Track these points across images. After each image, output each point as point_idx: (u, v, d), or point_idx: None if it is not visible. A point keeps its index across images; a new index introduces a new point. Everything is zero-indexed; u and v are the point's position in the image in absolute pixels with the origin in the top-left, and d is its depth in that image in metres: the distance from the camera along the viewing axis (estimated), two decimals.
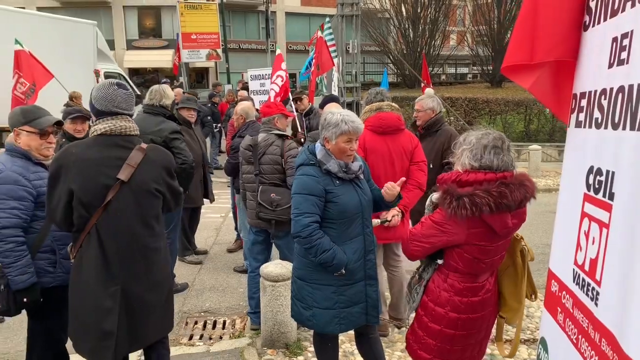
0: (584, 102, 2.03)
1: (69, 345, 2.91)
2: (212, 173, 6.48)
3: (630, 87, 1.63)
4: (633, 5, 1.67)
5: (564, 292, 2.12)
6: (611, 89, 1.77)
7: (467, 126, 13.50)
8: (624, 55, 1.70)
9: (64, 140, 4.53)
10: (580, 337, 1.90)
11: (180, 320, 4.75)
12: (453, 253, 2.59)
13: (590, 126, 1.95)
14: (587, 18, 2.02)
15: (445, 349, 2.67)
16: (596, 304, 1.77)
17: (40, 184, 2.86)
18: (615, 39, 1.77)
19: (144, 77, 30.46)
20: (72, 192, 2.50)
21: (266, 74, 11.50)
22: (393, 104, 4.22)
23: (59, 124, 3.01)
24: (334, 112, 3.07)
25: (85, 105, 10.39)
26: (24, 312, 2.98)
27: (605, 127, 1.81)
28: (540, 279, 5.44)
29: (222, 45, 20.58)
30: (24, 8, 18.99)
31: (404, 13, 26.36)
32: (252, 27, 34.33)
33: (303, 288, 3.05)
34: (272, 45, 25.35)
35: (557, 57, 2.09)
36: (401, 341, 4.22)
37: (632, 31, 1.65)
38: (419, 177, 4.10)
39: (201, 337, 4.49)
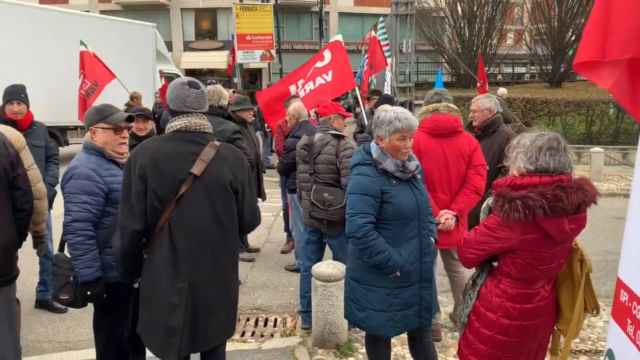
0: None
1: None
2: (265, 172, 6.55)
3: None
4: None
5: (634, 303, 2.00)
6: None
7: (525, 127, 13.09)
8: None
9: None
10: None
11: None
12: (507, 258, 2.51)
13: None
14: None
15: (496, 355, 2.58)
16: None
17: (111, 180, 2.96)
18: None
19: (200, 78, 31.23)
20: (147, 185, 2.55)
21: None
22: (451, 105, 4.12)
23: (130, 119, 3.11)
24: (387, 109, 3.03)
25: (145, 104, 10.79)
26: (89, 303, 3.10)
27: None
28: (602, 287, 5.23)
29: (276, 46, 20.81)
30: (88, 11, 19.86)
31: (460, 12, 25.85)
32: (305, 27, 34.57)
33: (357, 289, 3.02)
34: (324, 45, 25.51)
35: (634, 54, 1.96)
36: (454, 346, 4.12)
37: None
38: (477, 182, 3.99)
39: (253, 334, 4.54)
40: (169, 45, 21.35)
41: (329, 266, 4.02)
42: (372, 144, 3.05)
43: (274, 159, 12.47)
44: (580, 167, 12.30)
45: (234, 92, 9.35)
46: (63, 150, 13.40)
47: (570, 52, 23.49)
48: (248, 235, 6.70)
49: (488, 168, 4.33)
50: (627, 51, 1.97)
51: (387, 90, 11.11)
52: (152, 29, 14.76)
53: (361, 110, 7.61)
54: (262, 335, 4.51)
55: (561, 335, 2.72)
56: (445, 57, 26.50)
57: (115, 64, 11.67)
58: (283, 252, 6.72)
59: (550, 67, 25.00)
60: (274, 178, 10.30)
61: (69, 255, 2.94)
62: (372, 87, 11.57)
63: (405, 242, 2.94)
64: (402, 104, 13.84)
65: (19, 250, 3.08)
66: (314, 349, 4.06)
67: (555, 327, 2.70)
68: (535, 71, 31.07)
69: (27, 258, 3.72)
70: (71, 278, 2.89)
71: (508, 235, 2.43)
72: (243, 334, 4.54)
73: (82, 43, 11.08)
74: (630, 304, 2.04)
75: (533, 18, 26.72)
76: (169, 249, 2.57)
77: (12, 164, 2.90)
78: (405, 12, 14.23)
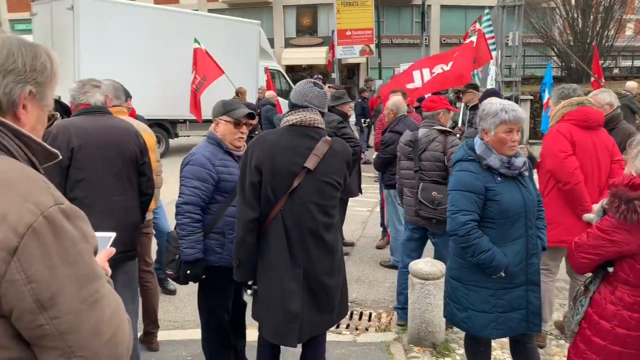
0: None
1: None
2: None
3: None
4: None
5: None
6: None
7: None
8: None
9: None
10: None
11: None
12: (623, 263, 2.34)
13: None
14: None
15: None
16: None
17: (223, 170, 3.13)
18: None
19: (299, 74, 31.92)
20: (262, 176, 2.66)
21: None
22: (589, 99, 3.98)
23: (251, 116, 3.25)
24: (493, 102, 2.93)
25: (249, 100, 11.19)
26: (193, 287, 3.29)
27: None
28: None
29: (375, 40, 20.73)
30: (197, 10, 20.94)
31: (573, 2, 24.21)
32: (405, 21, 34.05)
33: (458, 289, 2.95)
34: (427, 39, 24.92)
35: None
36: (559, 355, 3.90)
37: None
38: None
39: (347, 326, 4.58)
40: (271, 42, 21.93)
41: (427, 264, 3.96)
42: (476, 139, 2.95)
43: (370, 154, 12.46)
44: None
45: (329, 87, 9.45)
46: (173, 142, 14.30)
47: None
48: (342, 229, 6.74)
49: None
50: None
51: (490, 85, 10.69)
52: (256, 26, 15.27)
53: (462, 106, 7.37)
54: (356, 329, 4.53)
55: None
56: (555, 50, 24.94)
57: (221, 60, 12.21)
58: (378, 248, 6.70)
59: None
60: (368, 173, 10.28)
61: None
62: (478, 81, 11.18)
63: (511, 241, 2.82)
64: (508, 99, 13.22)
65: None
66: (409, 346, 4.02)
67: None
68: None
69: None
70: (177, 256, 3.09)
71: (625, 238, 2.26)
72: (338, 326, 4.58)
73: (196, 40, 11.73)
74: None
75: None
76: (283, 238, 2.67)
77: (142, 152, 3.22)
78: (512, 3, 13.58)
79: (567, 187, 3.67)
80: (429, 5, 31.83)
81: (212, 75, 11.82)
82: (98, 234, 1.18)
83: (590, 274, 2.61)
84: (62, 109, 3.73)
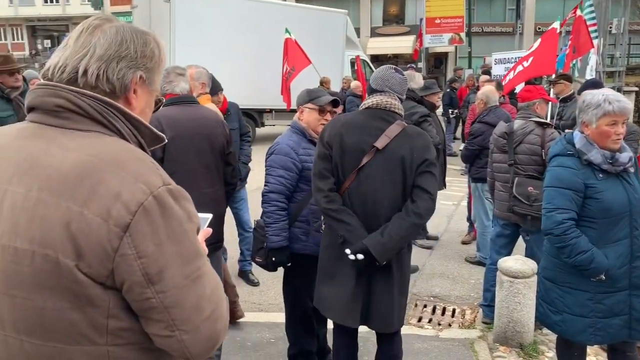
0: None
1: None
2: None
3: None
4: None
5: None
6: None
7: None
8: None
9: None
10: None
11: (409, 301, 4.81)
12: None
13: None
14: None
15: None
16: None
17: (306, 159, 3.16)
18: None
19: (384, 64, 31.57)
20: (332, 154, 2.69)
21: (512, 58, 10.85)
22: None
23: (335, 103, 3.27)
24: (594, 92, 2.73)
25: (333, 89, 11.22)
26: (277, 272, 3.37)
27: None
28: None
29: (465, 29, 20.08)
30: (285, 0, 21.23)
31: None
32: (498, 8, 32.64)
33: (552, 290, 2.80)
34: (520, 27, 23.76)
35: None
36: None
37: None
38: None
39: (430, 321, 4.50)
40: (357, 32, 21.85)
41: (517, 261, 3.79)
42: (576, 132, 2.77)
43: (456, 146, 12.12)
44: None
45: None
46: (260, 130, 14.67)
47: None
48: (427, 222, 6.60)
49: None
50: None
51: (590, 76, 10.01)
52: (344, 16, 15.23)
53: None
54: (439, 324, 4.44)
55: None
56: None
57: (308, 50, 12.32)
58: (464, 243, 6.51)
59: None
60: (454, 166, 10.00)
61: None
62: (576, 72, 10.51)
63: (613, 243, 2.64)
64: None
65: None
66: (494, 345, 3.89)
67: None
68: None
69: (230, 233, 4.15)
70: (265, 244, 3.17)
71: None
72: (420, 320, 4.52)
73: (287, 31, 11.93)
74: None
75: None
76: None
77: (228, 143, 3.27)
78: None
79: None
80: None
81: (300, 65, 11.98)
82: (198, 215, 1.22)
83: None
84: None
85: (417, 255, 5.97)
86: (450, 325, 4.42)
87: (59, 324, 1.05)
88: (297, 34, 12.10)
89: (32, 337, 1.07)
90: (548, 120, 6.50)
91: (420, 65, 20.90)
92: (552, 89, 6.89)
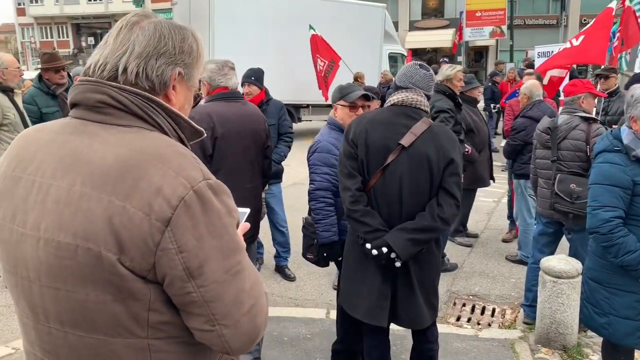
0: None
1: None
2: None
3: None
4: None
5: None
6: None
7: None
8: None
9: None
10: None
11: (448, 300, 4.76)
12: None
13: None
14: None
15: None
16: None
17: None
18: None
19: (422, 58, 31.21)
20: (358, 152, 2.67)
21: (556, 51, 10.51)
22: None
23: (366, 97, 3.25)
24: None
25: (369, 84, 11.14)
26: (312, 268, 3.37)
27: None
28: None
29: (508, 21, 19.60)
30: None
31: None
32: (541, 0, 31.77)
33: (597, 291, 2.70)
34: (565, 19, 23.05)
35: None
36: None
37: None
38: None
39: (469, 320, 4.42)
40: (395, 25, 21.61)
41: (561, 261, 3.67)
42: (623, 127, 2.67)
43: (497, 142, 11.86)
44: None
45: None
46: (296, 126, 14.71)
47: None
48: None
49: None
50: None
51: (639, 69, 9.61)
52: (382, 10, 15.11)
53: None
54: (478, 323, 4.36)
55: None
56: None
57: (345, 45, 12.28)
58: (504, 241, 6.36)
59: None
60: (496, 162, 9.77)
61: None
62: (624, 65, 10.11)
63: None
64: None
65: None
66: (536, 347, 3.78)
67: None
68: None
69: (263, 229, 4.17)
70: (315, 240, 3.18)
71: None
72: (458, 319, 4.45)
73: (311, 27, 11.93)
74: None
75: None
76: None
77: (267, 137, 3.31)
78: None
79: None
80: None
81: (337, 58, 11.98)
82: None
83: None
84: None
85: (456, 253, 5.89)
86: (489, 325, 4.33)
87: (101, 316, 1.06)
88: (333, 29, 12.09)
89: (75, 329, 1.09)
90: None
91: (460, 59, 20.52)
92: (598, 83, 6.62)
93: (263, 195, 3.57)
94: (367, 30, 14.37)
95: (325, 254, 3.19)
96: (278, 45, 12.69)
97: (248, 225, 1.39)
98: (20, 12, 53.99)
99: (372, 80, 12.29)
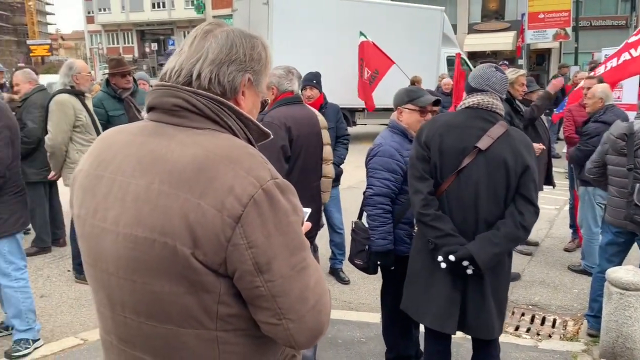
0: None
1: None
2: None
3: None
4: None
5: None
6: None
7: None
8: None
9: None
10: None
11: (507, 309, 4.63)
12: None
13: None
14: None
15: None
16: None
17: None
18: None
19: (479, 61, 30.53)
20: (430, 155, 2.64)
21: None
22: None
23: (436, 103, 3.21)
24: None
25: (426, 87, 11.01)
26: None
27: None
28: None
29: (572, 23, 18.88)
30: None
31: None
32: (609, 0, 30.40)
33: None
34: (635, 19, 21.96)
35: None
36: None
37: None
38: None
39: (528, 330, 4.29)
40: (454, 28, 21.24)
41: (629, 272, 3.51)
42: None
43: (559, 148, 11.43)
44: None
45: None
46: (351, 130, 14.72)
47: None
48: None
49: None
50: None
51: None
52: (440, 13, 14.92)
53: None
54: (538, 334, 4.22)
55: None
56: None
57: (401, 48, 12.20)
58: (566, 250, 6.13)
59: None
60: (557, 168, 9.42)
61: (366, 225, 3.22)
62: None
63: None
64: None
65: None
66: None
67: None
68: None
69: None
70: (366, 246, 3.15)
71: None
72: (517, 328, 4.33)
73: (361, 34, 11.94)
74: None
75: None
76: None
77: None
78: None
79: None
80: None
81: (383, 68, 11.94)
82: None
83: None
84: None
85: (516, 262, 5.70)
86: (550, 336, 4.19)
87: (174, 307, 1.12)
88: (389, 33, 12.04)
89: (149, 320, 1.16)
90: None
91: (521, 62, 19.93)
92: None
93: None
94: (425, 33, 14.23)
95: (378, 262, 3.14)
96: (335, 49, 12.77)
97: (309, 224, 1.43)
98: (90, 20, 56.83)
99: (429, 84, 12.15)
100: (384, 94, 12.31)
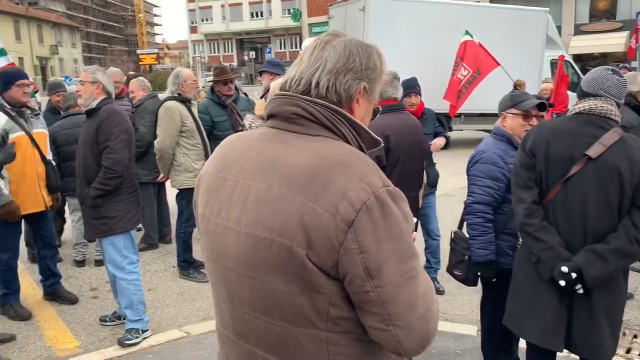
0: None
1: None
2: None
3: None
4: None
5: None
6: None
7: None
8: None
9: None
10: None
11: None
12: None
13: None
14: None
15: None
16: None
17: None
18: None
19: (587, 64, 28.70)
20: (536, 162, 2.52)
21: None
22: None
23: (541, 107, 3.08)
24: None
25: (529, 92, 10.53)
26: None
27: None
28: None
29: None
30: (478, 1, 20.51)
31: None
32: None
33: None
34: None
35: None
36: None
37: None
38: None
39: None
40: (559, 30, 20.15)
41: None
42: None
43: None
44: None
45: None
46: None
47: None
48: None
49: None
50: None
51: None
52: (544, 14, 14.22)
53: None
54: None
55: None
56: None
57: (502, 51, 11.77)
58: None
59: None
60: None
61: (467, 234, 3.14)
62: None
63: None
64: None
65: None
66: None
67: None
68: None
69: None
70: (466, 257, 3.07)
71: None
72: (628, 351, 4.00)
73: (467, 33, 11.61)
74: None
75: None
76: None
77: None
78: None
79: None
80: None
81: (486, 68, 11.58)
82: None
83: None
84: None
85: (629, 280, 5.29)
86: None
87: (288, 306, 1.18)
88: (488, 36, 11.67)
89: (265, 316, 1.22)
90: None
91: (635, 64, 18.49)
92: None
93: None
94: (528, 35, 13.62)
95: (479, 274, 3.04)
96: (431, 54, 12.57)
97: (415, 234, 1.44)
98: (193, 29, 60.26)
99: (532, 89, 11.62)
100: (483, 99, 11.97)
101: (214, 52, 59.14)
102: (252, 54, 54.01)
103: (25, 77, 4.37)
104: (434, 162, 5.15)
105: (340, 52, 1.25)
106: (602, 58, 28.80)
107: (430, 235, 5.07)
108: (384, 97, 3.22)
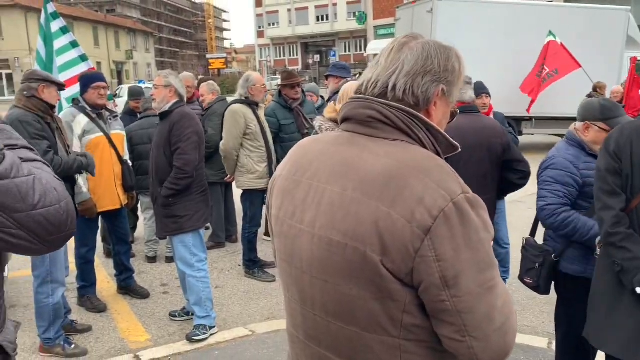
0: None
1: None
2: None
3: None
4: None
5: None
6: None
7: None
8: None
9: None
10: None
11: None
12: None
13: None
14: None
15: None
16: None
17: (588, 174, 2.87)
18: None
19: None
20: (622, 166, 2.36)
21: None
22: None
23: None
24: None
25: (608, 94, 10.03)
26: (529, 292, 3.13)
27: None
28: None
29: None
30: (551, 1, 19.69)
31: None
32: None
33: None
34: None
35: None
36: None
37: None
38: None
39: None
40: None
41: None
42: None
43: None
44: None
45: None
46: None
47: None
48: None
49: None
50: None
51: None
52: (625, 13, 13.48)
53: None
54: None
55: None
56: None
57: (577, 53, 11.30)
58: None
59: None
60: None
61: (539, 242, 3.03)
62: None
63: None
64: None
65: None
66: None
67: None
68: None
69: None
70: (537, 264, 2.96)
71: None
72: None
73: (551, 33, 11.22)
74: None
75: None
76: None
77: (504, 150, 3.33)
78: None
79: None
80: None
81: (565, 69, 11.15)
82: None
83: None
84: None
85: None
86: None
87: (360, 311, 1.16)
88: (564, 36, 11.21)
89: (337, 320, 1.21)
90: None
91: None
92: None
93: None
94: (606, 35, 12.97)
95: (550, 282, 2.94)
96: (501, 56, 12.23)
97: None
98: (260, 34, 61.52)
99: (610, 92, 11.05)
100: (556, 102, 11.50)
101: (280, 56, 60.13)
102: (317, 57, 54.43)
103: (101, 79, 4.52)
104: None
105: (418, 54, 1.22)
106: None
107: (499, 244, 4.90)
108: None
